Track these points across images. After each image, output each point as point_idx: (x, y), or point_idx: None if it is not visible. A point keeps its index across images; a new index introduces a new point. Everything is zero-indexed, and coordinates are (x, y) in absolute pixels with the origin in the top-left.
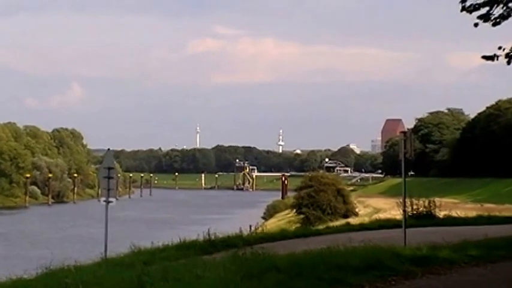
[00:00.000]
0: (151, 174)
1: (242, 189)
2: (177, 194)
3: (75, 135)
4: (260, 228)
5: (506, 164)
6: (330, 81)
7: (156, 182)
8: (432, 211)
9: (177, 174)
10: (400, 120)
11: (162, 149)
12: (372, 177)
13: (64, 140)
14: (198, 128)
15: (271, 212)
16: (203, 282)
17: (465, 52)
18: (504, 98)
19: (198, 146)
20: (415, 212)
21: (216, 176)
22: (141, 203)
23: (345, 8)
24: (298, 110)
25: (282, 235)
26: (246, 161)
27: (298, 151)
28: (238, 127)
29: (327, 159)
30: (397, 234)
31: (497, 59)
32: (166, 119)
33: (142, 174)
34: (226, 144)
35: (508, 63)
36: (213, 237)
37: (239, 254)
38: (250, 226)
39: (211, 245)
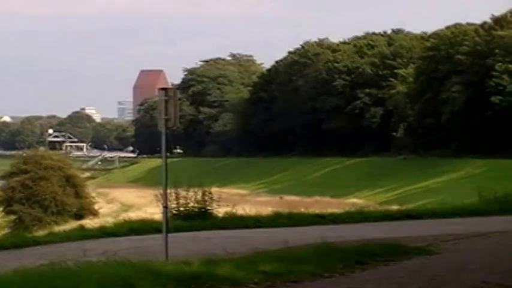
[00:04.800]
0: None
1: None
2: None
3: None
4: None
5: (317, 138)
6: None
7: None
8: (208, 207)
9: None
10: (161, 71)
11: None
12: (120, 157)
13: None
14: None
15: None
16: None
17: None
18: (313, 39)
19: None
20: (183, 209)
21: None
22: None
23: None
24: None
25: None
26: None
27: (7, 118)
28: None
29: (50, 131)
30: (156, 242)
31: None
32: None
33: None
34: None
35: None
36: None
37: None
38: None
39: None
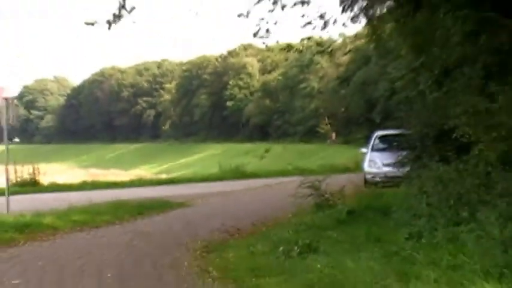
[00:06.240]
0: None
1: None
2: None
3: None
4: None
5: (111, 130)
6: None
7: None
8: (36, 178)
9: None
10: (1, 87)
11: None
12: None
13: None
14: None
15: None
16: None
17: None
18: (109, 65)
19: None
20: (19, 180)
21: None
22: None
23: None
24: None
25: None
26: None
27: None
28: None
29: None
30: (0, 201)
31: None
32: None
33: None
34: None
35: (110, 26)
36: None
37: None
38: None
39: None
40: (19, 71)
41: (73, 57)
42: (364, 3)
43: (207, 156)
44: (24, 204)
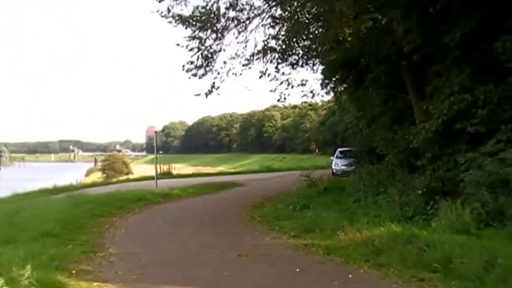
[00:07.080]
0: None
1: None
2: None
3: None
4: (82, 181)
5: (207, 148)
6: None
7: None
8: (171, 170)
9: None
10: (154, 126)
11: None
12: (142, 155)
13: None
14: None
15: (89, 173)
16: (51, 207)
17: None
18: (206, 115)
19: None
20: (161, 171)
21: (60, 155)
22: None
23: None
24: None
25: (93, 184)
26: (75, 147)
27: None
28: None
29: (117, 146)
30: (152, 182)
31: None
32: None
33: None
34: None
35: (206, 96)
36: (56, 185)
37: (70, 194)
38: (76, 180)
39: (56, 190)
40: (162, 117)
41: (188, 109)
42: (332, 85)
43: (254, 160)
44: (164, 184)
